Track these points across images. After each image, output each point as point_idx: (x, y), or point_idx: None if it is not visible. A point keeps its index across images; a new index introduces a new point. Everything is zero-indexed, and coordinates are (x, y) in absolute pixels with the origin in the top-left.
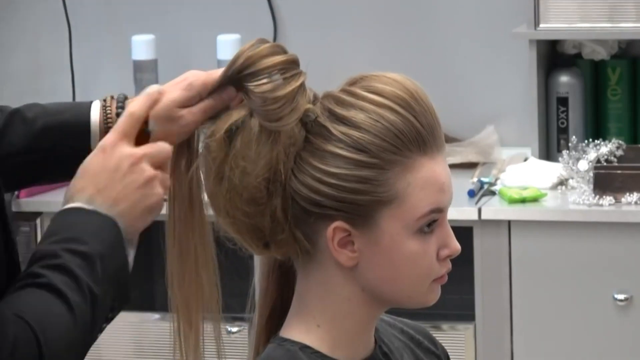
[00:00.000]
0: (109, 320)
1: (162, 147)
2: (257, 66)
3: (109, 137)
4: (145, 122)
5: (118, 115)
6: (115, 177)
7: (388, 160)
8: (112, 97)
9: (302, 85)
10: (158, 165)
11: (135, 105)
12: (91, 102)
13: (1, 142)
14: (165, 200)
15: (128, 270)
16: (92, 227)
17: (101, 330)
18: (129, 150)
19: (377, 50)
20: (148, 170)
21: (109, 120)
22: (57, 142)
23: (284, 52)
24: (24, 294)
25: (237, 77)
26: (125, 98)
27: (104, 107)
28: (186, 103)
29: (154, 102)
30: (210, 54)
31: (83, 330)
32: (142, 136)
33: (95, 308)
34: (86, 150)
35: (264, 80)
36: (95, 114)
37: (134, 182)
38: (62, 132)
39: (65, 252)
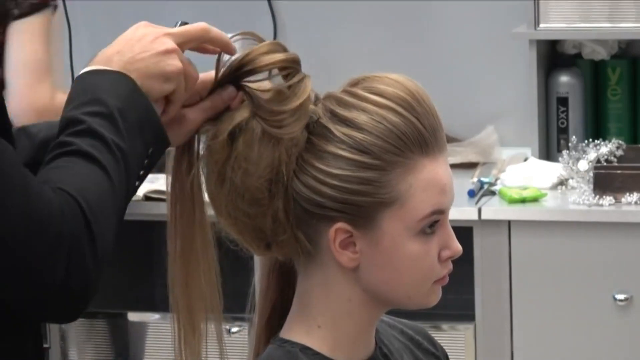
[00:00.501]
0: (149, 167)
1: (189, 30)
2: (256, 64)
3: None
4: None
5: None
6: (136, 43)
7: (390, 162)
8: None
9: (310, 95)
10: (183, 48)
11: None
12: None
13: None
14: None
15: (154, 114)
16: (105, 85)
17: (141, 178)
18: (159, 28)
19: (377, 50)
20: (170, 43)
21: None
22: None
23: (284, 50)
24: (56, 165)
25: (235, 75)
26: None
27: None
28: (186, 103)
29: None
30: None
31: (119, 187)
32: None
33: (126, 163)
34: None
35: (266, 82)
36: None
37: (153, 49)
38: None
39: (86, 116)
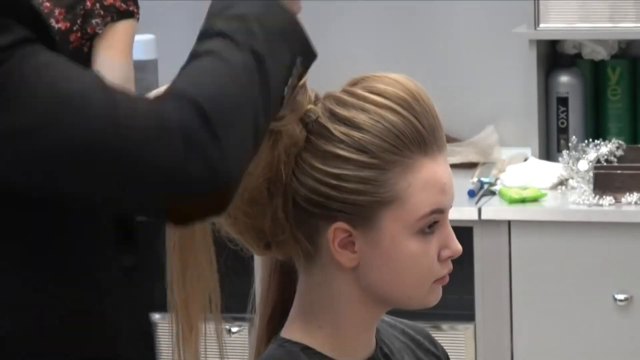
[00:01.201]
0: (300, 77)
1: None
2: None
3: None
4: None
5: None
6: None
7: (389, 161)
8: None
9: (303, 85)
10: None
11: None
12: None
13: None
14: None
15: (298, 25)
16: None
17: (290, 87)
18: None
19: (377, 50)
20: None
21: None
22: None
23: None
24: (182, 71)
25: None
26: None
27: None
28: None
29: None
30: None
31: (249, 84)
32: None
33: (263, 64)
34: None
35: None
36: None
37: None
38: None
39: (218, 21)
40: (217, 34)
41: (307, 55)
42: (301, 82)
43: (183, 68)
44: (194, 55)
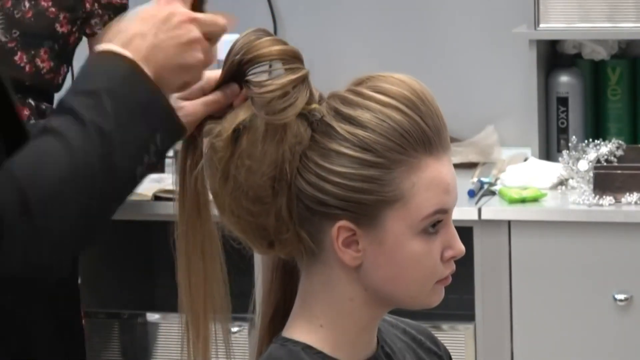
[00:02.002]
0: (159, 154)
1: (216, 20)
2: (257, 56)
3: None
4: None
5: None
6: (161, 27)
7: (393, 160)
8: None
9: (301, 78)
10: (207, 37)
11: None
12: None
13: None
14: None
15: (161, 100)
16: (105, 67)
17: (150, 166)
18: (183, 9)
19: (377, 50)
20: (195, 32)
21: None
22: None
23: (284, 44)
24: (25, 146)
25: (238, 69)
26: None
27: None
28: (188, 96)
29: None
30: None
31: (85, 163)
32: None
33: (106, 141)
34: None
35: (263, 68)
36: None
37: (177, 38)
38: None
39: (69, 95)
40: (67, 110)
41: (171, 131)
42: (298, 75)
43: (29, 142)
44: (42, 130)
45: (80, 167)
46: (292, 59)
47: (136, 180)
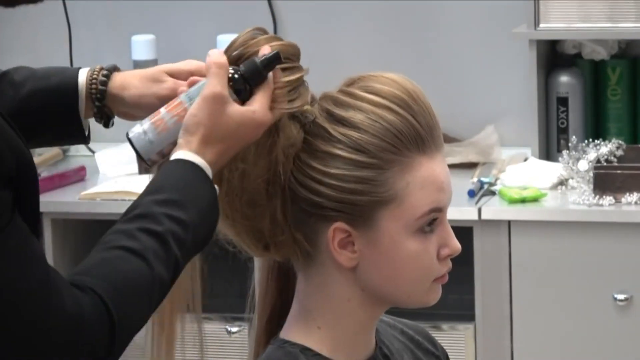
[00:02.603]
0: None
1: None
2: (257, 53)
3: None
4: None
5: (102, 83)
6: (237, 139)
7: (387, 160)
8: (101, 67)
9: (304, 84)
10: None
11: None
12: (79, 68)
13: None
14: None
15: (212, 237)
16: (194, 191)
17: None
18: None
19: (377, 50)
20: (263, 128)
21: (94, 82)
22: (45, 105)
23: (282, 41)
24: (108, 257)
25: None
26: (115, 68)
27: (91, 71)
28: (175, 73)
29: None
30: None
31: (158, 299)
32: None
33: (176, 275)
34: (73, 114)
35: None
36: (82, 77)
37: (249, 139)
38: (49, 96)
39: (165, 218)
40: (158, 235)
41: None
42: (302, 80)
43: (114, 248)
44: (129, 239)
45: (155, 297)
46: (291, 55)
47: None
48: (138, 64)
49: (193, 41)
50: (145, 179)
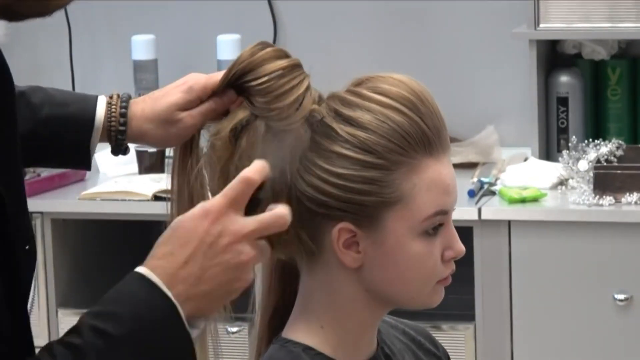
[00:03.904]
0: None
1: (275, 218)
2: (259, 72)
3: (217, 201)
4: (259, 187)
5: (122, 115)
6: (207, 253)
7: (394, 161)
8: (117, 96)
9: (307, 88)
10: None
11: (252, 170)
12: (96, 97)
13: None
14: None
15: (189, 354)
16: (142, 309)
17: None
18: (233, 227)
19: (378, 50)
20: (245, 253)
21: (113, 119)
22: (60, 133)
23: (287, 56)
24: None
25: (237, 82)
26: (129, 97)
27: (109, 105)
28: (186, 106)
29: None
30: (210, 54)
31: None
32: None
33: None
34: (87, 143)
35: (266, 85)
36: (100, 112)
37: (224, 263)
38: (66, 124)
39: (89, 331)
40: (77, 350)
41: None
42: (304, 87)
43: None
44: (47, 353)
45: None
46: (294, 69)
47: None
48: (138, 64)
49: (193, 41)
50: (146, 179)
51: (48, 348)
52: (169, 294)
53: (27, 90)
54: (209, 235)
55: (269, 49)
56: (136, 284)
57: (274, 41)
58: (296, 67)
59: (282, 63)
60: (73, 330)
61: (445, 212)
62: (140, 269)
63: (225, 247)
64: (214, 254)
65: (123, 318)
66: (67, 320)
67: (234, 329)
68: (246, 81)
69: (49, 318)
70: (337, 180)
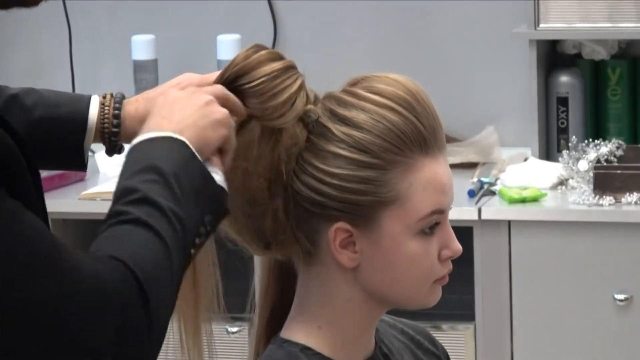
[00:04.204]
0: (207, 235)
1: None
2: (253, 75)
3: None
4: None
5: (115, 116)
6: (176, 105)
7: (390, 161)
8: (111, 95)
9: (300, 88)
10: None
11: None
12: (90, 98)
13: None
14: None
15: (211, 180)
16: (160, 152)
17: (197, 247)
18: (187, 89)
19: (377, 50)
20: (206, 96)
21: (106, 120)
22: (53, 134)
23: (281, 58)
24: (111, 233)
25: (231, 85)
26: (123, 97)
27: (102, 106)
28: None
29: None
30: (210, 54)
31: (177, 257)
32: None
33: (184, 231)
34: (80, 144)
35: (259, 87)
36: (93, 113)
37: (194, 104)
38: (59, 126)
39: (142, 184)
40: (143, 200)
41: (217, 212)
42: (296, 86)
43: (111, 226)
44: (120, 214)
45: (174, 255)
46: (287, 70)
47: (189, 263)
48: (138, 64)
49: (193, 41)
50: None
51: (115, 212)
52: (174, 134)
53: (21, 93)
54: (169, 97)
55: (263, 52)
56: (147, 145)
57: (274, 41)
58: (290, 68)
59: (276, 65)
60: (126, 191)
61: (441, 212)
62: (140, 139)
63: (188, 97)
64: (183, 104)
65: (160, 165)
66: None
67: (234, 329)
68: (240, 84)
69: None
70: (333, 180)
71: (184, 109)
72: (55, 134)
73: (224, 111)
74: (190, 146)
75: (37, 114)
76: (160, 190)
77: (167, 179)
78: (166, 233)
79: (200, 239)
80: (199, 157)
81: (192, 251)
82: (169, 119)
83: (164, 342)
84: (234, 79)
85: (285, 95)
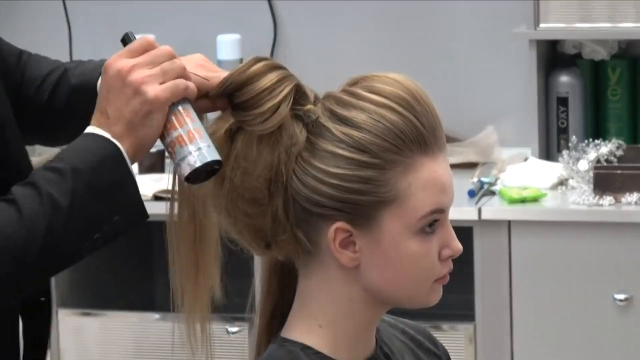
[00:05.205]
0: (112, 234)
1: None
2: (248, 93)
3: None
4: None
5: None
6: (111, 92)
7: (389, 160)
8: None
9: (287, 95)
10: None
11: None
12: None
13: (52, 97)
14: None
15: (131, 187)
16: (78, 146)
17: (96, 242)
18: (119, 64)
19: (377, 50)
20: (135, 76)
21: None
22: (89, 102)
23: (278, 67)
24: None
25: (231, 93)
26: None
27: None
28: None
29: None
30: (210, 54)
31: (31, 229)
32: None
33: (57, 213)
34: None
35: (251, 103)
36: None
37: (125, 95)
38: (80, 94)
39: (40, 170)
40: (29, 182)
41: (131, 215)
42: (286, 91)
43: None
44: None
45: (26, 224)
46: (280, 81)
47: (80, 254)
48: None
49: (193, 41)
50: (146, 179)
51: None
52: (105, 133)
53: (70, 67)
54: (109, 73)
55: (258, 65)
56: (78, 139)
57: (274, 41)
58: (283, 79)
59: (268, 82)
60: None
61: (441, 211)
62: (89, 130)
63: (122, 84)
64: (116, 94)
65: (66, 157)
66: (68, 320)
67: (234, 329)
68: (235, 97)
69: None
70: (332, 180)
71: (116, 100)
72: (78, 103)
73: (157, 89)
74: (124, 153)
75: (73, 83)
76: (50, 176)
77: (62, 170)
78: (26, 209)
79: (100, 235)
80: (128, 163)
81: (88, 245)
82: (106, 115)
83: (164, 342)
84: (229, 94)
85: (269, 104)
